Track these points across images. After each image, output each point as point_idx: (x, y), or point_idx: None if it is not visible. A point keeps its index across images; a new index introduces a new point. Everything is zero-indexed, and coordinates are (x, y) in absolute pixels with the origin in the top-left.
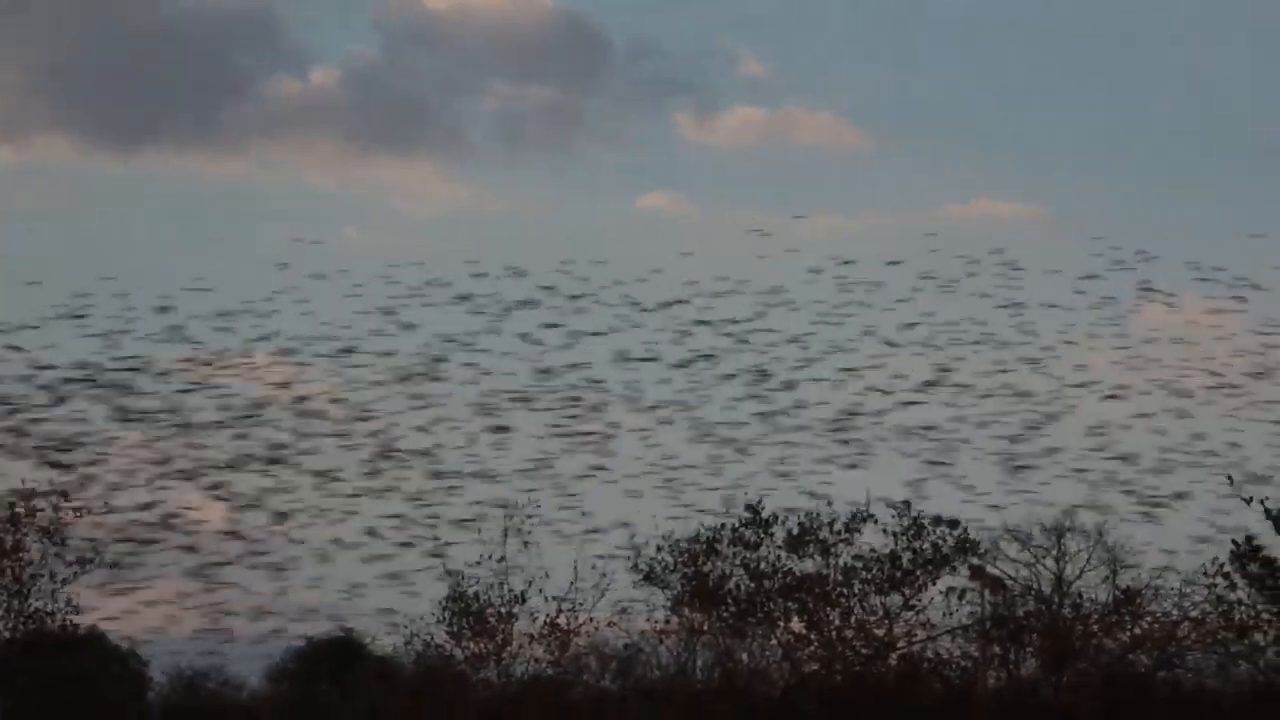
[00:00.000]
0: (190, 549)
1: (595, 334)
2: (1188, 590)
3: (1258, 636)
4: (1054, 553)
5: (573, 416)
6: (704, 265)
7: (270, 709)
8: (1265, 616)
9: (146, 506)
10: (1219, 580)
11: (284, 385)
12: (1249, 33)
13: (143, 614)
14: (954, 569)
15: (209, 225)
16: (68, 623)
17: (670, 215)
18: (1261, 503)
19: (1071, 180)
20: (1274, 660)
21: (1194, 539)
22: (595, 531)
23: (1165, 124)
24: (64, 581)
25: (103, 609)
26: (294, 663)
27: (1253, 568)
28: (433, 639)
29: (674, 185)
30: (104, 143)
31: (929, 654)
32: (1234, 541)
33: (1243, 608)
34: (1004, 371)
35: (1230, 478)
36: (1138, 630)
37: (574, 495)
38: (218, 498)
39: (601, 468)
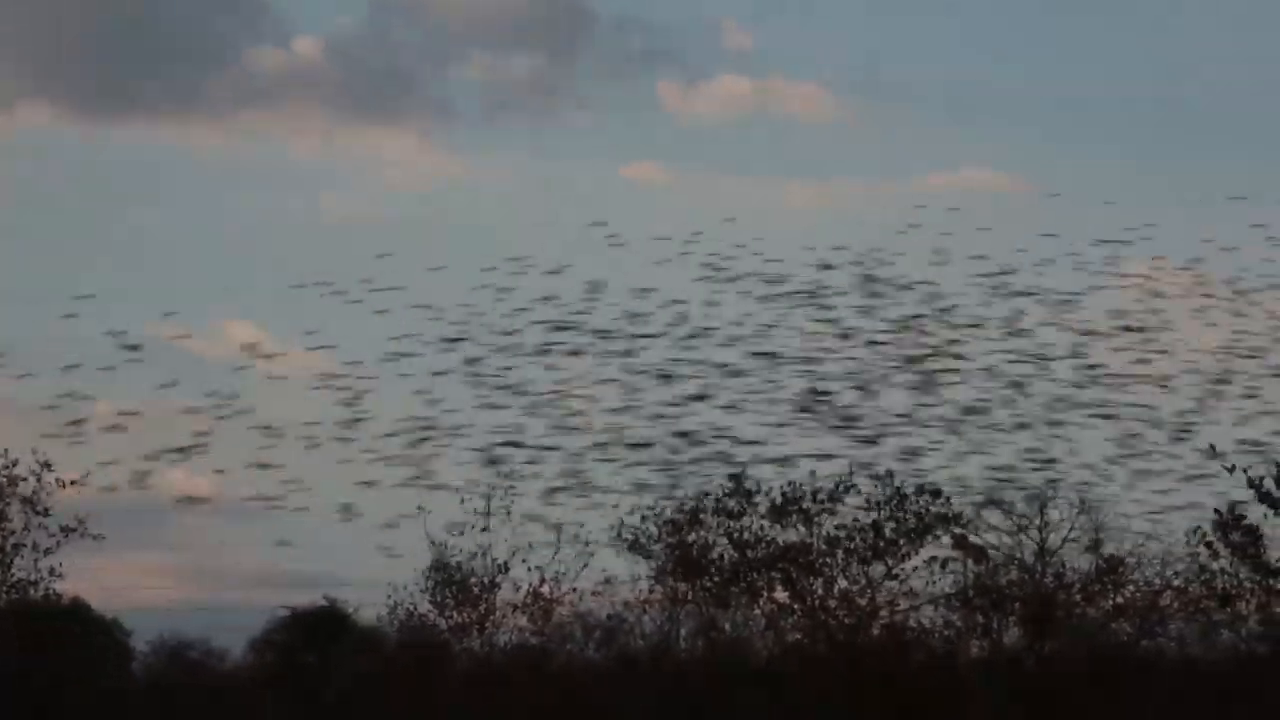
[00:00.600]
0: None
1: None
2: (1170, 559)
3: (1240, 605)
4: (1037, 522)
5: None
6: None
7: (254, 679)
8: (1247, 585)
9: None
10: (1201, 549)
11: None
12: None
13: (127, 584)
14: (936, 538)
15: (190, 194)
16: (51, 592)
17: (654, 185)
18: (1244, 471)
19: (1053, 149)
20: (1256, 628)
21: (1176, 508)
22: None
23: (1150, 91)
24: (47, 551)
25: (87, 578)
26: (278, 633)
27: (1235, 536)
28: (416, 609)
29: (658, 155)
30: (85, 112)
31: (912, 623)
32: (1216, 510)
33: (1225, 576)
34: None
35: (1213, 446)
36: (1120, 599)
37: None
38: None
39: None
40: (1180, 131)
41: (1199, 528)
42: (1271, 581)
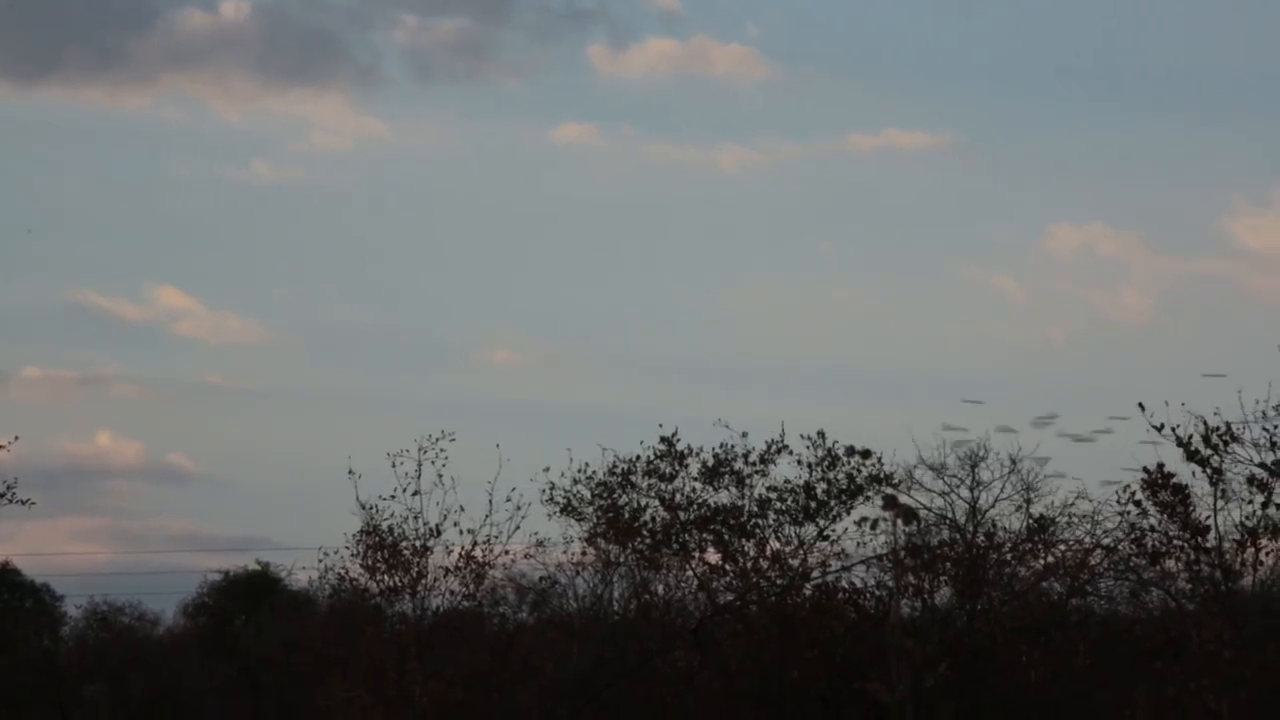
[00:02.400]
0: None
1: None
2: (1100, 518)
3: (1169, 563)
4: (968, 482)
5: None
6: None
7: (186, 642)
8: (1176, 543)
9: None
10: (1131, 507)
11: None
12: None
13: (57, 548)
14: (867, 499)
15: (113, 159)
16: None
17: (584, 147)
18: (1173, 430)
19: (979, 110)
20: (1184, 587)
21: (1105, 465)
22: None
23: (1072, 53)
24: None
25: (15, 543)
26: (209, 596)
27: (1163, 495)
28: (347, 572)
29: (587, 117)
30: (3, 75)
31: (844, 584)
32: (1145, 469)
33: (1154, 534)
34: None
35: (1142, 405)
36: (1050, 558)
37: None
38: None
39: None
40: (1109, 91)
41: (1128, 486)
42: (1199, 540)
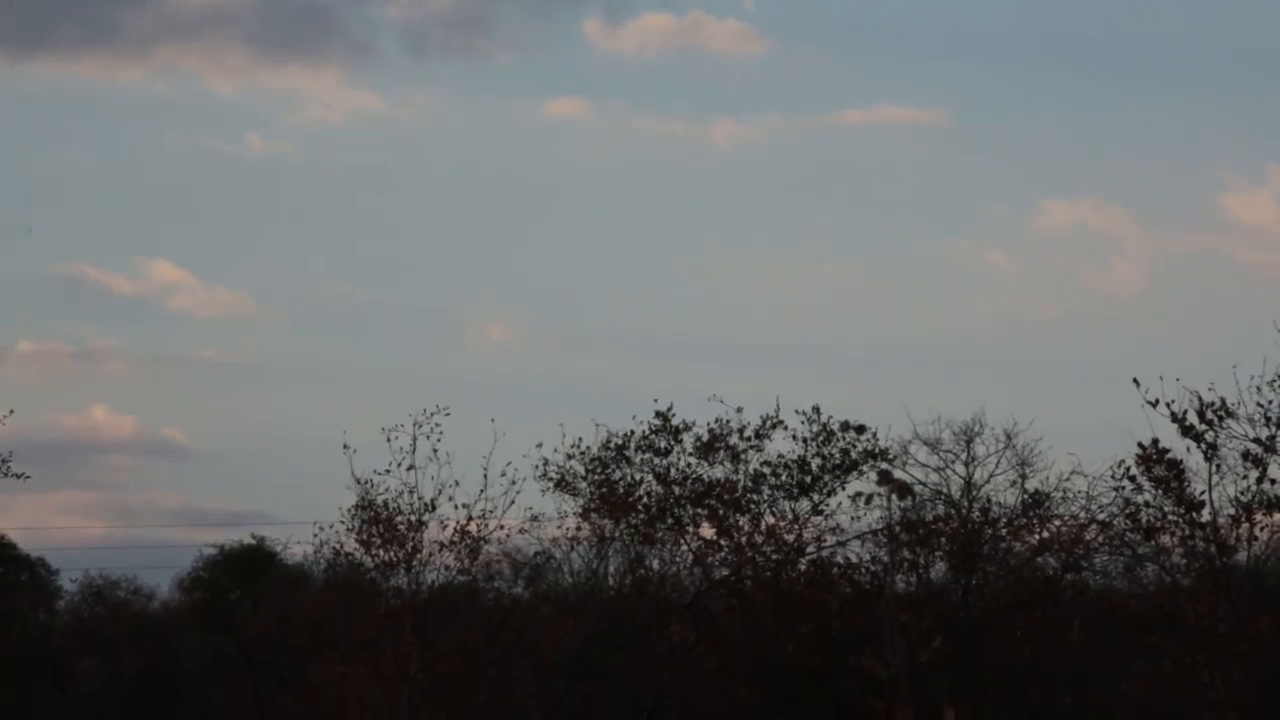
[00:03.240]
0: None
1: None
2: (1095, 493)
3: (1164, 538)
4: (963, 457)
5: None
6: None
7: (181, 617)
8: (1171, 518)
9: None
10: (1126, 483)
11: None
12: None
13: (52, 522)
14: (861, 474)
15: (106, 133)
16: None
17: (578, 122)
18: (1168, 405)
19: (973, 85)
20: (1179, 562)
21: (1099, 440)
22: None
23: (1066, 28)
24: None
25: (10, 516)
26: (205, 571)
27: (1158, 470)
28: (342, 547)
29: (581, 92)
30: (1, 48)
31: (839, 559)
32: (1140, 444)
33: (1149, 510)
34: None
35: (1136, 380)
36: (1046, 533)
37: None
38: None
39: None
40: (1100, 66)
41: (1123, 461)
42: (1194, 515)
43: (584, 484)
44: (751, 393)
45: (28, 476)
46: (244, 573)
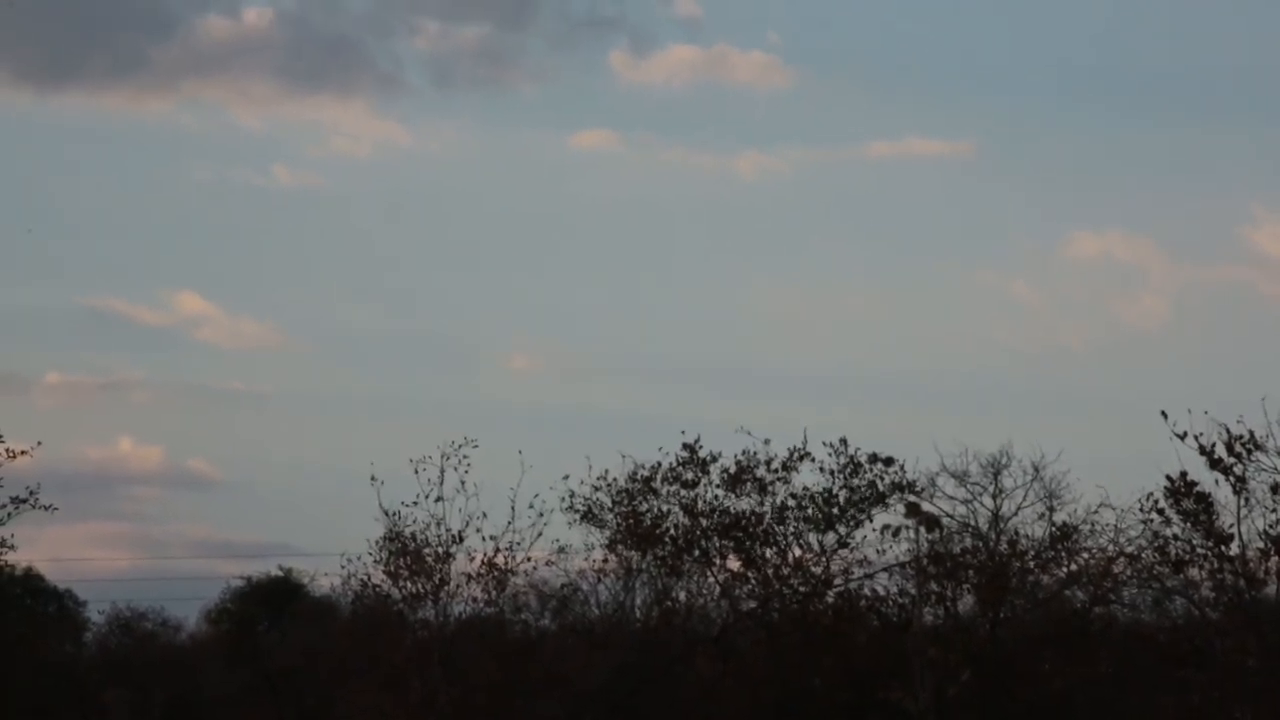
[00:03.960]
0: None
1: None
2: (1123, 526)
3: (1193, 571)
4: (990, 489)
5: None
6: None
7: (209, 648)
8: (1200, 552)
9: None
10: (1154, 515)
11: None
12: None
13: (79, 554)
14: (889, 506)
15: (133, 164)
16: (2, 564)
17: (603, 153)
18: (1196, 438)
19: (1000, 117)
20: (1208, 595)
21: (1128, 472)
22: None
23: (1095, 60)
24: None
25: (37, 548)
26: (232, 603)
27: (1187, 503)
28: (370, 579)
29: (607, 124)
30: (26, 81)
31: (866, 591)
32: (1168, 477)
33: (1177, 543)
34: None
35: (1164, 413)
36: (1074, 566)
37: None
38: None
39: None
40: (1127, 97)
41: (1151, 494)
42: (1223, 548)
43: (610, 516)
44: (778, 424)
45: (55, 508)
46: (271, 604)
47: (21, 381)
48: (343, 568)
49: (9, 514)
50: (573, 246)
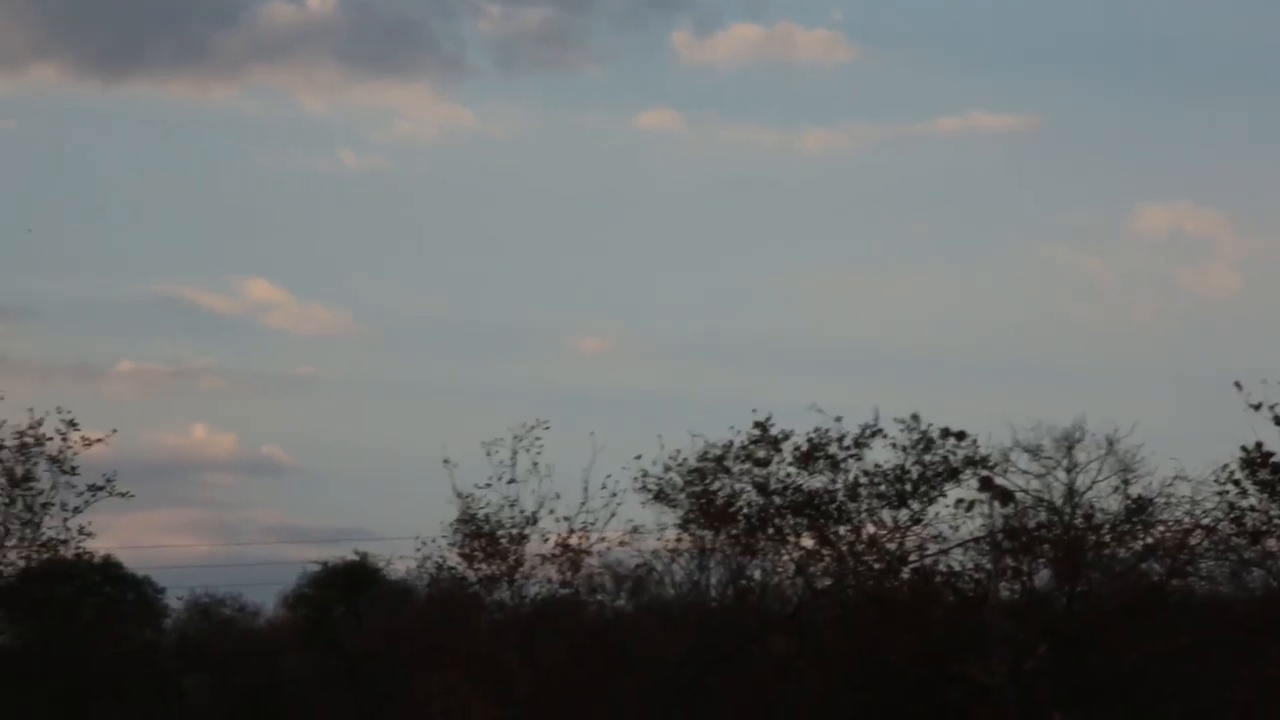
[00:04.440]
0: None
1: None
2: (1198, 498)
3: (1270, 542)
4: (1064, 464)
5: None
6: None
7: (286, 633)
8: (1277, 521)
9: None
10: (1230, 487)
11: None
12: None
13: (155, 540)
14: (961, 482)
15: (200, 152)
16: (81, 551)
17: (668, 133)
18: (1271, 409)
19: (1066, 91)
20: None
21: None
22: None
23: (1162, 32)
24: (75, 510)
25: (117, 537)
26: (309, 588)
27: (1263, 474)
28: (445, 561)
29: (671, 104)
30: (91, 70)
31: (941, 567)
32: (1243, 448)
33: (1254, 513)
34: None
35: (1238, 384)
36: (1150, 539)
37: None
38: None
39: None
40: (1193, 68)
41: (1226, 465)
42: None
43: (682, 495)
44: (849, 402)
45: (132, 495)
46: (347, 589)
47: (94, 371)
48: (417, 551)
49: (86, 502)
50: (639, 227)
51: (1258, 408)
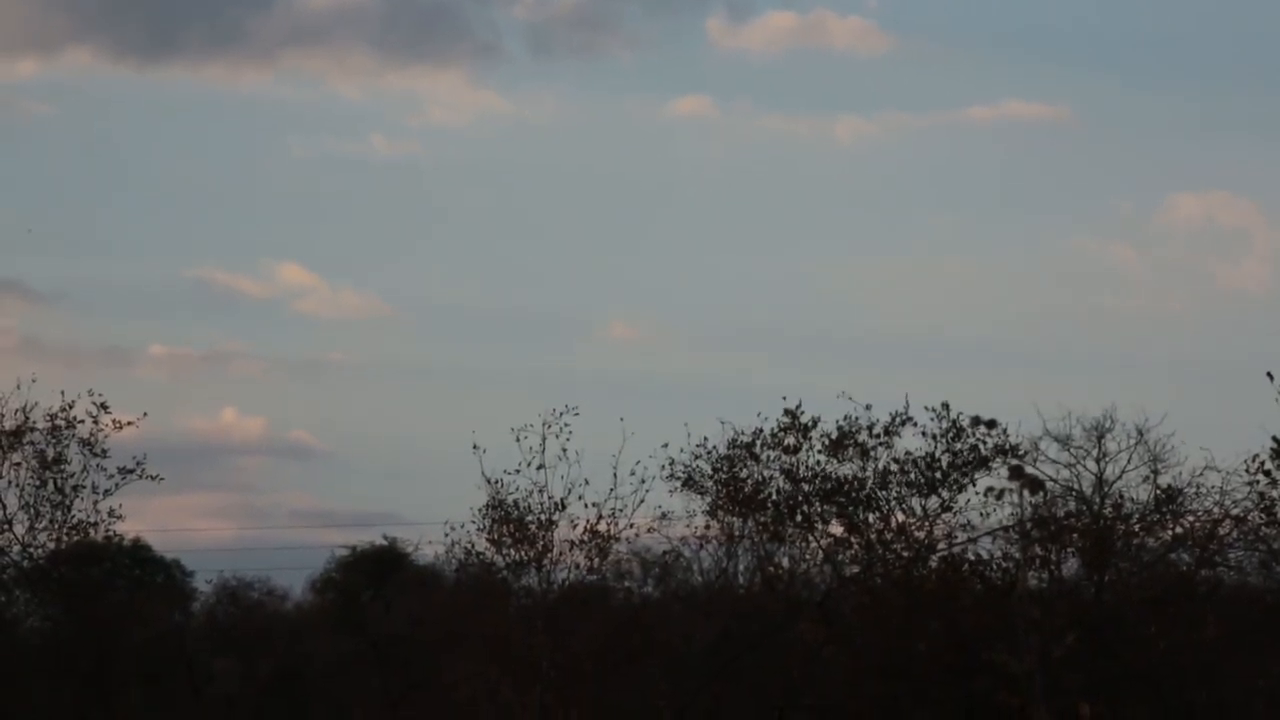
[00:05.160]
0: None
1: None
2: (1228, 488)
3: None
4: (1094, 453)
5: None
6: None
7: (314, 618)
8: None
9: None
10: (1260, 477)
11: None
12: None
13: (185, 524)
14: (991, 470)
15: (233, 136)
16: (111, 533)
17: (701, 120)
18: None
19: (1098, 81)
20: None
21: (1233, 435)
22: None
23: (1193, 24)
24: (106, 493)
25: (147, 520)
26: (337, 572)
27: None
28: (473, 547)
29: (705, 90)
30: (127, 54)
31: (969, 555)
32: (1274, 438)
33: None
34: None
35: (1270, 375)
36: (1179, 529)
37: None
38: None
39: None
40: (1223, 59)
41: (1257, 456)
42: None
43: (711, 482)
44: (879, 390)
45: (162, 478)
46: (375, 573)
47: (125, 354)
48: (446, 536)
49: (117, 484)
50: (670, 214)
51: None
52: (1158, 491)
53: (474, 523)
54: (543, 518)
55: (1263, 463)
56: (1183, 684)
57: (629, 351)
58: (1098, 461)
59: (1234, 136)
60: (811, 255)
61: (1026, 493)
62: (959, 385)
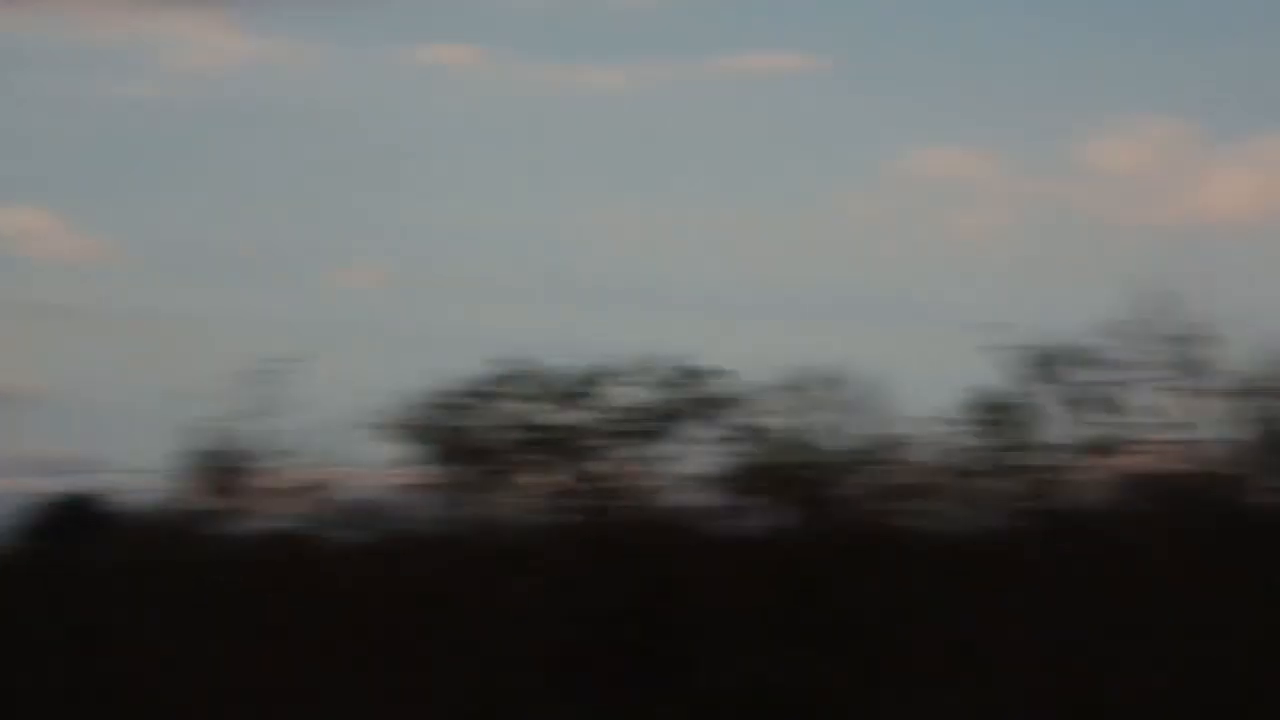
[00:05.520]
0: None
1: None
2: (935, 439)
3: (996, 481)
4: (814, 403)
5: None
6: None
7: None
8: (1004, 462)
9: None
10: (964, 427)
11: None
12: None
13: None
14: (711, 419)
15: None
16: None
17: (461, 67)
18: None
19: (853, 32)
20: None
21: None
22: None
23: None
24: None
25: None
26: (33, 518)
27: (991, 415)
28: (178, 494)
29: (462, 38)
30: None
31: (682, 505)
32: (971, 388)
33: (983, 453)
34: None
35: (985, 326)
36: (888, 480)
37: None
38: None
39: None
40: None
41: (961, 406)
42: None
43: (430, 431)
44: (614, 339)
45: None
46: (65, 521)
47: None
48: (149, 481)
49: None
50: (426, 161)
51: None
52: (869, 441)
53: (181, 469)
54: (254, 466)
55: (965, 412)
56: (893, 632)
57: (368, 298)
58: (815, 411)
59: (979, 89)
60: (567, 205)
61: (746, 443)
62: (696, 336)
